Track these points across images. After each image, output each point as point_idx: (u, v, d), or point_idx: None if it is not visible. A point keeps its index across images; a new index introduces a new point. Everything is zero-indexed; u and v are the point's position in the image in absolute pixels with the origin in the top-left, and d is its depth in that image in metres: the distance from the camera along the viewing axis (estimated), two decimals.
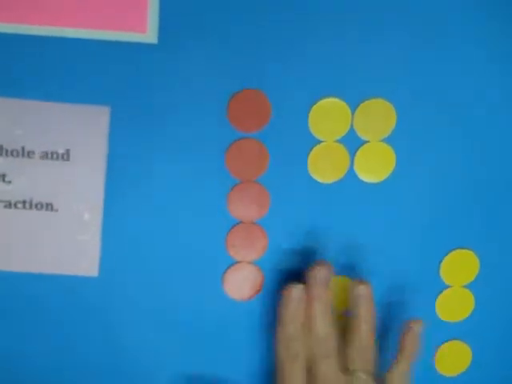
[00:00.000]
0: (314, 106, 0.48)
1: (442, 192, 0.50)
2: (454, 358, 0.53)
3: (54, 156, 0.45)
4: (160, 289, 0.49)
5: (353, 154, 0.49)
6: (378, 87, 0.48)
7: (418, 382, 0.52)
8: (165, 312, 0.50)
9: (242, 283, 0.49)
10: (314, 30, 0.47)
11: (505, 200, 0.51)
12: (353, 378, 0.46)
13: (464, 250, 0.51)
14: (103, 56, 0.45)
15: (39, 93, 0.45)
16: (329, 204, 0.49)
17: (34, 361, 0.49)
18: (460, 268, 0.51)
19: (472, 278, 0.52)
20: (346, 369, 0.46)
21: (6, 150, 0.45)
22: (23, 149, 0.45)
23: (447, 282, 0.52)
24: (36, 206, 0.46)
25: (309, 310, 0.46)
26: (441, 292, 0.52)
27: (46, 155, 0.45)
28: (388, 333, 0.51)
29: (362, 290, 0.47)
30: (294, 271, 0.50)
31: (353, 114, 0.48)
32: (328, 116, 0.48)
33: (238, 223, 0.49)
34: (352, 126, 0.48)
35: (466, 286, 0.52)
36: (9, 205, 0.46)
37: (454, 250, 0.51)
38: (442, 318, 0.53)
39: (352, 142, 0.49)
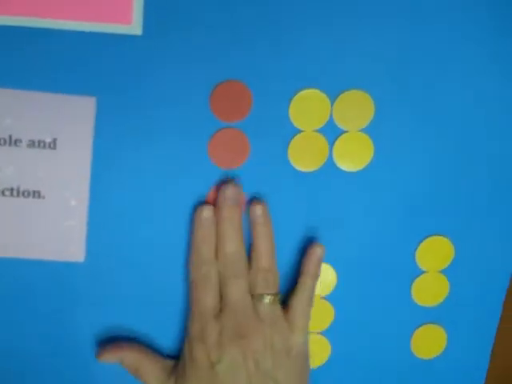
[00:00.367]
0: (295, 97, 0.49)
1: (418, 181, 0.52)
2: (429, 341, 0.55)
3: (41, 145, 0.46)
4: (146, 272, 0.50)
5: (332, 144, 0.50)
6: (357, 79, 0.49)
7: (394, 365, 0.54)
8: (152, 295, 0.51)
9: None
10: (295, 22, 0.48)
11: (479, 188, 0.52)
12: (258, 301, 0.47)
13: (439, 237, 0.53)
14: (89, 47, 0.46)
15: (27, 83, 0.46)
16: (308, 192, 0.51)
17: (21, 345, 0.51)
18: (435, 254, 0.53)
19: (447, 264, 0.54)
20: (253, 294, 0.47)
21: None
22: (10, 137, 0.46)
23: (423, 268, 0.53)
24: (23, 193, 0.47)
25: (219, 230, 0.47)
26: (417, 277, 0.54)
27: (33, 144, 0.46)
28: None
29: (258, 210, 0.47)
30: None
31: (332, 104, 0.49)
32: (308, 106, 0.49)
33: None
34: (331, 116, 0.49)
35: (441, 272, 0.53)
36: None
37: (429, 236, 0.53)
38: (418, 303, 0.54)
39: (331, 132, 0.50)
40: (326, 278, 0.52)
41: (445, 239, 0.53)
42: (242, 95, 0.48)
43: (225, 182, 0.48)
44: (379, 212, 0.52)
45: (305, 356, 0.50)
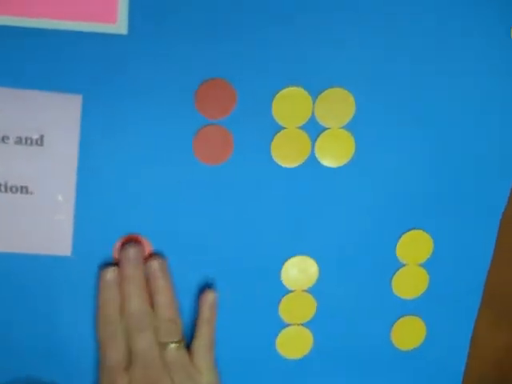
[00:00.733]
0: (277, 95, 0.50)
1: (398, 176, 0.53)
2: (409, 332, 0.56)
3: (29, 141, 0.47)
4: None
5: (314, 140, 0.51)
6: (338, 77, 0.50)
7: (375, 355, 0.55)
8: None
9: None
10: (279, 21, 0.49)
11: (457, 183, 0.54)
12: (164, 349, 0.49)
13: (419, 231, 0.54)
14: (76, 46, 0.47)
15: (14, 81, 0.47)
16: (291, 187, 0.52)
17: (8, 338, 0.52)
18: (415, 247, 0.54)
19: (426, 257, 0.55)
20: (159, 342, 0.49)
21: None
22: None
23: (403, 261, 0.54)
24: (11, 189, 0.48)
25: (122, 289, 0.48)
26: (397, 270, 0.55)
27: (20, 140, 0.47)
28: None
29: (155, 264, 0.49)
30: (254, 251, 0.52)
31: (314, 102, 0.50)
32: (290, 104, 0.50)
33: None
34: (313, 113, 0.50)
35: (420, 265, 0.55)
36: None
37: (409, 230, 0.54)
38: (398, 295, 0.55)
39: (313, 129, 0.51)
40: (308, 271, 0.53)
41: (424, 233, 0.54)
42: (226, 93, 0.49)
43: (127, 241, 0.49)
44: (360, 207, 0.53)
45: None
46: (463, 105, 0.52)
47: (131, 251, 0.48)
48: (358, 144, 0.52)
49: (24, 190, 0.48)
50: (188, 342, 0.51)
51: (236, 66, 0.49)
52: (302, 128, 0.50)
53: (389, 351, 0.57)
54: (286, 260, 0.54)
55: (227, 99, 0.49)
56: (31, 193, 0.48)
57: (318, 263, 0.54)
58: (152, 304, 0.49)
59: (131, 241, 0.49)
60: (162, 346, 0.49)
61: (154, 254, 0.50)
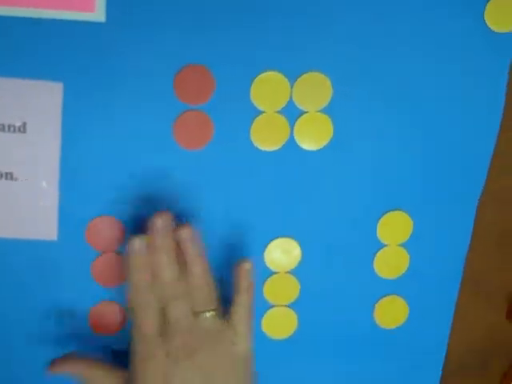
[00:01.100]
0: (255, 80, 0.50)
1: (377, 158, 0.54)
2: (391, 311, 0.57)
3: (11, 129, 0.48)
4: None
5: (292, 124, 0.52)
6: (315, 61, 0.51)
7: (358, 334, 0.57)
8: None
9: None
10: (255, 6, 0.49)
11: (435, 164, 0.55)
12: (200, 318, 0.49)
13: (399, 212, 0.55)
14: (55, 35, 0.48)
15: None
16: (271, 170, 0.53)
17: None
18: (395, 228, 0.55)
19: (406, 238, 0.56)
20: (194, 311, 0.48)
21: None
22: None
23: (384, 241, 0.55)
24: None
25: (154, 259, 0.48)
26: (378, 250, 0.56)
27: (3, 128, 0.48)
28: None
29: (185, 234, 0.48)
30: (237, 234, 0.53)
31: (292, 86, 0.51)
32: (268, 88, 0.51)
33: None
34: (291, 97, 0.51)
35: (401, 245, 0.56)
36: None
37: (389, 211, 0.55)
38: (380, 275, 0.56)
39: (291, 113, 0.52)
40: (291, 253, 0.54)
41: (404, 214, 0.55)
42: (205, 79, 0.50)
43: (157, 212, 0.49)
44: (340, 189, 0.54)
45: (250, 362, 0.51)
46: (441, 87, 0.53)
47: (159, 221, 0.47)
48: (335, 127, 0.52)
49: (9, 176, 0.49)
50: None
51: (214, 52, 0.50)
52: (280, 112, 0.51)
53: (372, 330, 0.58)
54: (268, 242, 0.55)
55: (206, 85, 0.50)
56: (16, 179, 0.49)
57: (300, 245, 0.55)
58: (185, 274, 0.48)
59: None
60: (198, 314, 0.48)
61: (184, 224, 0.49)
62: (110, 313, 0.54)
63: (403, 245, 0.56)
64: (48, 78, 0.48)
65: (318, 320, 0.57)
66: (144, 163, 0.51)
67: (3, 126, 0.48)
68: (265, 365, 0.56)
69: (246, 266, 0.50)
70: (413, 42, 0.52)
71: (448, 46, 0.52)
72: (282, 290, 0.55)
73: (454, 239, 0.56)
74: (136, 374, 0.48)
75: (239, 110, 0.51)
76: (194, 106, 0.50)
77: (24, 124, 0.48)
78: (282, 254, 0.55)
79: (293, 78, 0.51)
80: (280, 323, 0.56)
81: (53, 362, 0.50)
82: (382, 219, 0.55)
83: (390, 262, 0.56)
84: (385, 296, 0.57)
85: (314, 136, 0.52)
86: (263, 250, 0.55)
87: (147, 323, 0.48)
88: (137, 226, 0.51)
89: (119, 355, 0.52)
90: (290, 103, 0.51)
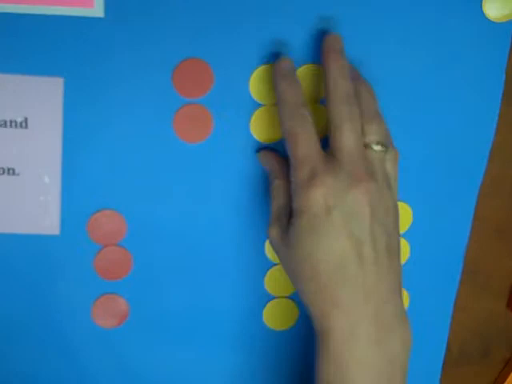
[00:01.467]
0: (254, 72, 0.51)
1: None
2: None
3: (13, 124, 0.49)
4: None
5: None
6: (314, 54, 0.51)
7: None
8: None
9: None
10: (253, 0, 0.50)
11: (436, 156, 0.55)
12: (370, 150, 0.46)
13: (398, 202, 0.55)
14: (55, 31, 0.48)
15: None
16: None
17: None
18: None
19: (406, 228, 0.56)
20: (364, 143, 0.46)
21: None
22: None
23: None
24: None
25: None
26: None
27: (5, 124, 0.49)
28: None
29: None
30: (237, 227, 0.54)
31: None
32: (267, 81, 0.51)
33: None
34: None
35: (401, 235, 0.56)
36: None
37: None
38: None
39: None
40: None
41: (403, 204, 0.55)
42: (203, 72, 0.50)
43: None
44: None
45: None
46: (439, 77, 0.53)
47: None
48: None
49: (11, 171, 0.50)
50: None
51: (212, 46, 0.50)
52: None
53: None
54: None
55: (205, 78, 0.50)
56: (18, 174, 0.50)
57: None
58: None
59: None
60: (367, 145, 0.46)
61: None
62: (113, 306, 0.55)
63: (403, 235, 0.56)
64: (48, 73, 0.48)
65: None
66: (144, 157, 0.51)
67: (5, 121, 0.48)
68: (267, 356, 0.56)
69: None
70: (410, 34, 0.52)
71: (445, 36, 0.52)
72: (282, 282, 0.55)
73: (454, 229, 0.57)
74: (295, 205, 0.45)
75: (238, 102, 0.51)
76: (193, 100, 0.50)
77: (25, 119, 0.49)
78: None
79: None
80: (281, 314, 0.56)
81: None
82: None
83: None
84: None
85: None
86: (264, 242, 0.55)
87: (308, 143, 0.45)
88: (138, 218, 0.52)
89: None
90: None
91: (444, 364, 0.60)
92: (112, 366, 0.56)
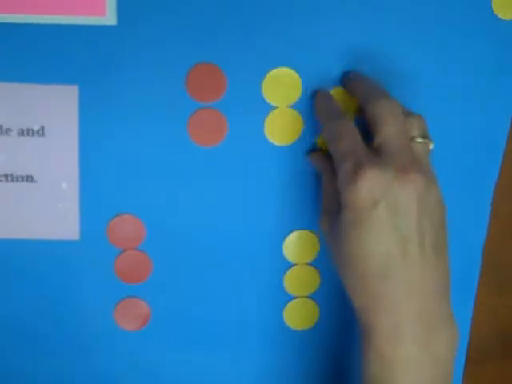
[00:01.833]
0: (267, 76, 0.51)
1: None
2: None
3: (30, 132, 0.50)
4: None
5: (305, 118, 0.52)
6: (326, 56, 0.51)
7: None
8: None
9: None
10: (264, 4, 0.50)
11: (450, 157, 0.55)
12: (414, 142, 0.46)
13: None
14: (69, 40, 0.48)
15: (14, 76, 0.49)
16: (286, 164, 0.53)
17: (21, 322, 0.54)
18: None
19: None
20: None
21: None
22: (1, 127, 0.49)
23: None
24: (17, 178, 0.50)
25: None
26: None
27: (22, 132, 0.50)
28: None
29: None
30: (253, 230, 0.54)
31: (303, 81, 0.51)
32: (280, 84, 0.51)
33: None
34: (303, 92, 0.52)
35: None
36: None
37: None
38: None
39: (304, 107, 0.52)
40: (309, 245, 0.55)
41: None
42: (216, 76, 0.50)
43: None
44: None
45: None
46: (449, 77, 0.53)
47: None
48: None
49: (30, 178, 0.50)
50: None
51: (224, 50, 0.50)
52: (292, 107, 0.52)
53: None
54: (286, 235, 0.55)
55: (218, 83, 0.50)
56: (36, 181, 0.50)
57: (318, 237, 0.55)
58: None
59: None
60: (411, 138, 0.46)
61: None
62: (134, 309, 0.55)
63: None
64: (63, 81, 0.49)
65: (338, 310, 0.57)
66: (160, 161, 0.52)
67: (22, 130, 0.49)
68: (289, 356, 0.57)
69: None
70: (420, 33, 0.52)
71: (455, 34, 0.52)
72: (302, 281, 0.55)
73: (473, 228, 0.56)
74: (343, 198, 0.44)
75: (252, 106, 0.51)
76: (207, 104, 0.51)
77: (42, 127, 0.49)
78: (301, 246, 0.55)
79: (304, 72, 0.51)
80: (301, 314, 0.57)
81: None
82: None
83: None
84: None
85: None
86: (281, 244, 0.55)
87: (353, 135, 0.45)
88: (156, 222, 0.53)
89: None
90: (302, 97, 0.51)
91: (466, 362, 0.59)
92: (134, 368, 0.56)
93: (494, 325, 0.60)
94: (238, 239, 0.55)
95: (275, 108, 0.51)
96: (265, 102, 0.51)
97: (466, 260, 0.57)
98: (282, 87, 0.51)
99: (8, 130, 0.49)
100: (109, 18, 0.48)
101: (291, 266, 0.56)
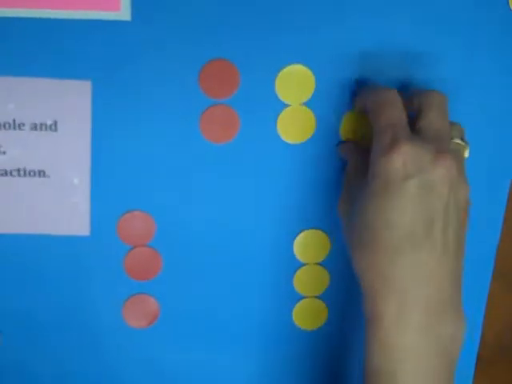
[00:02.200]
0: (280, 72, 0.51)
1: None
2: None
3: (43, 127, 0.50)
4: None
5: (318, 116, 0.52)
6: (339, 53, 0.51)
7: None
8: None
9: None
10: (278, 1, 0.50)
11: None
12: (453, 143, 0.46)
13: None
14: (83, 35, 0.48)
15: (28, 70, 0.49)
16: (297, 163, 0.53)
17: (33, 317, 0.54)
18: None
19: None
20: None
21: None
22: (14, 121, 0.49)
23: None
24: (29, 173, 0.50)
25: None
26: None
27: (35, 127, 0.50)
28: None
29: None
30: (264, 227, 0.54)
31: (316, 78, 0.51)
32: (293, 81, 0.51)
33: None
34: (316, 89, 0.52)
35: None
36: (4, 173, 0.50)
37: None
38: None
39: (317, 105, 0.52)
40: (320, 244, 0.55)
41: None
42: (230, 73, 0.50)
43: None
44: None
45: None
46: (466, 74, 0.53)
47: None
48: None
49: (42, 173, 0.50)
50: None
51: (238, 46, 0.50)
52: (305, 104, 0.52)
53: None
54: (297, 234, 0.55)
55: (231, 79, 0.50)
56: (48, 176, 0.50)
57: (329, 236, 0.55)
58: None
59: None
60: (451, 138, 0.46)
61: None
62: (143, 306, 0.55)
63: None
64: (77, 76, 0.49)
65: (347, 311, 0.57)
66: (172, 157, 0.52)
67: (35, 125, 0.49)
68: (298, 356, 0.56)
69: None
70: (435, 31, 0.52)
71: (472, 32, 0.52)
72: (311, 282, 0.55)
73: (486, 226, 0.56)
74: (373, 170, 0.44)
75: (265, 103, 0.51)
76: (219, 101, 0.51)
77: (55, 122, 0.49)
78: (311, 245, 0.55)
79: (318, 70, 0.51)
80: (311, 314, 0.56)
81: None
82: None
83: None
84: None
85: None
86: (292, 242, 0.55)
87: (395, 112, 0.44)
88: (167, 219, 0.53)
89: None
90: (315, 95, 0.51)
91: (478, 361, 0.59)
92: (142, 365, 0.56)
93: (507, 322, 0.60)
94: (248, 237, 0.54)
95: (288, 105, 0.51)
96: (278, 99, 0.51)
97: (478, 263, 0.57)
98: (296, 84, 0.51)
99: (21, 125, 0.49)
100: (123, 13, 0.48)
101: (301, 265, 0.55)
